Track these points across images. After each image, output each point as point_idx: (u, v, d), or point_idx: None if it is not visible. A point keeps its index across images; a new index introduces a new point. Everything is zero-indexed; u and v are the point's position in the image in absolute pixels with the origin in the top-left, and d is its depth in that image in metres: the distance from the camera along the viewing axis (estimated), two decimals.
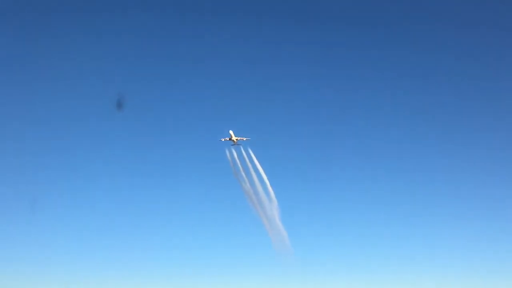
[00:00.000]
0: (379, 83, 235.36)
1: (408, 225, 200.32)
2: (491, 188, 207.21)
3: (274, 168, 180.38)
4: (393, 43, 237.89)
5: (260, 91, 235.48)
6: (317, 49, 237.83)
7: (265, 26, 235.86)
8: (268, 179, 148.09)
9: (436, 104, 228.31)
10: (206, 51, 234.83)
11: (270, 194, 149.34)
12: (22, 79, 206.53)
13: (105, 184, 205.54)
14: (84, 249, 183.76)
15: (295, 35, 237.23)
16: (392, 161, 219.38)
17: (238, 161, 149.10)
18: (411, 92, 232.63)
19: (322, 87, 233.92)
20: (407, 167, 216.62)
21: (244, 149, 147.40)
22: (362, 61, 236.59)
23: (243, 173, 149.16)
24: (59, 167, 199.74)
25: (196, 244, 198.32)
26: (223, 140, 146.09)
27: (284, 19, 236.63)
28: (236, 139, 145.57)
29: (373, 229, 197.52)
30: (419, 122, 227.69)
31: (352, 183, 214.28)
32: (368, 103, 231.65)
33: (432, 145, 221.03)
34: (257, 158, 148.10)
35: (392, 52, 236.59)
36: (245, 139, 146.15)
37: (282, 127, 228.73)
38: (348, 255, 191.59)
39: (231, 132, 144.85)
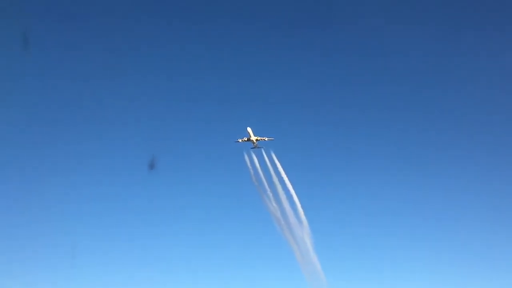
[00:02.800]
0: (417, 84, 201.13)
1: (460, 256, 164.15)
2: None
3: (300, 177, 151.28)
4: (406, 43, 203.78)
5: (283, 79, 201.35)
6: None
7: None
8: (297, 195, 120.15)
9: None
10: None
11: (301, 218, 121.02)
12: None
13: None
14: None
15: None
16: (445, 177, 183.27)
17: (261, 172, 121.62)
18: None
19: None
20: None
21: (266, 153, 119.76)
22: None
23: (269, 192, 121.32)
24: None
25: (217, 272, 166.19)
26: (240, 141, 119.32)
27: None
28: (256, 139, 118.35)
29: (418, 259, 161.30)
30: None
31: (392, 200, 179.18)
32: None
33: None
34: (283, 168, 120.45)
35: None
36: (267, 139, 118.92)
37: (309, 125, 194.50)
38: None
39: (249, 130, 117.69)
